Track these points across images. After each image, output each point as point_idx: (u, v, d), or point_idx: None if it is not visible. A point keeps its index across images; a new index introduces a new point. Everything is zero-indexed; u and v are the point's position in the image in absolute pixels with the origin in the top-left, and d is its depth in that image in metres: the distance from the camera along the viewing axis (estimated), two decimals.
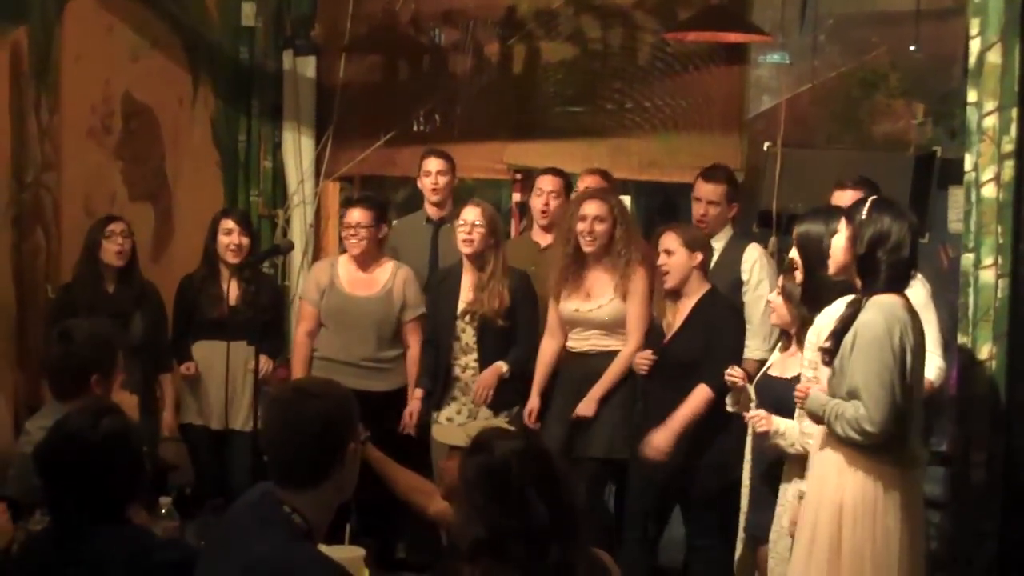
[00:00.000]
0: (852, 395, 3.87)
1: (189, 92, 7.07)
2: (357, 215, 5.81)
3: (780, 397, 4.43)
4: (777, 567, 4.43)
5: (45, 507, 3.25)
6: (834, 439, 3.95)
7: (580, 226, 5.38)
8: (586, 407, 5.37)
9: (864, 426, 3.82)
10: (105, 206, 6.24)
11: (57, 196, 6.10)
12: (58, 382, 3.95)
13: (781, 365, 4.63)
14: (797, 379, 4.33)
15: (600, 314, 5.42)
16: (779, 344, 4.75)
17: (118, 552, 2.98)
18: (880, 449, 3.88)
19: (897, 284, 3.94)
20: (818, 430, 4.10)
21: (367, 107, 7.40)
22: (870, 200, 4.00)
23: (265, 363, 5.69)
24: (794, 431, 4.35)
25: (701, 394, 5.03)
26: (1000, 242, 4.94)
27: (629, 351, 5.36)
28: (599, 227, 5.37)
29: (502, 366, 5.58)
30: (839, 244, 4.02)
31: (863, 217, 3.93)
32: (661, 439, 5.06)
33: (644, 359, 5.22)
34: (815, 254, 4.28)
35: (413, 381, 5.81)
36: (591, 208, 5.39)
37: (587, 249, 5.40)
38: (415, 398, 5.75)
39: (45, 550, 3.07)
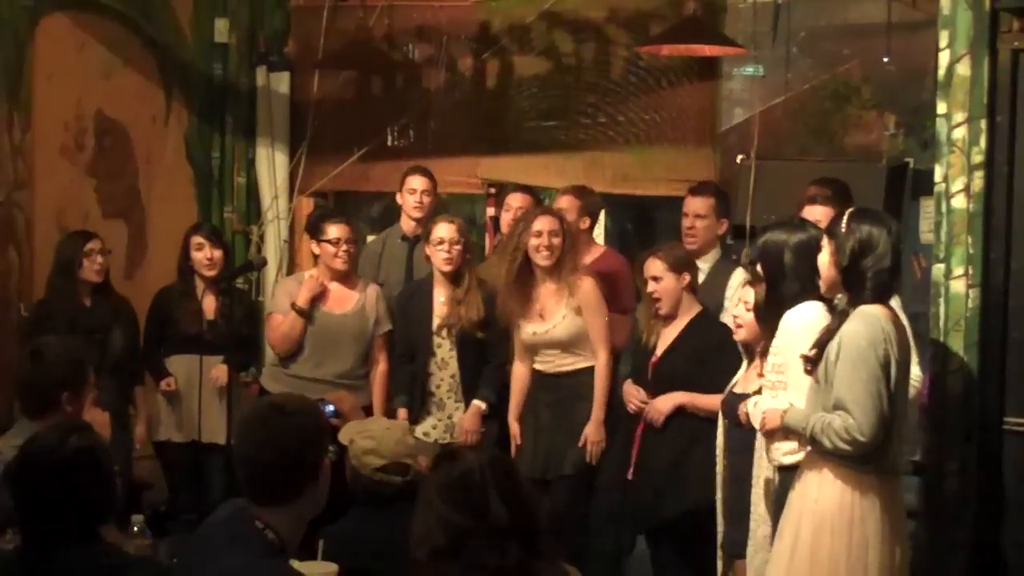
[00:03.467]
0: (838, 406, 3.84)
1: (162, 109, 7.05)
2: (342, 231, 5.75)
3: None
4: None
5: (16, 526, 3.24)
6: (816, 452, 3.93)
7: (535, 241, 5.37)
8: (595, 433, 5.35)
9: (855, 436, 3.79)
10: (78, 224, 6.22)
11: (30, 214, 6.10)
12: (29, 400, 3.94)
13: (744, 382, 4.62)
14: (759, 392, 4.33)
15: (556, 333, 5.41)
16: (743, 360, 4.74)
17: (89, 571, 2.97)
18: (863, 459, 3.86)
19: (883, 293, 3.94)
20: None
21: (341, 123, 7.39)
22: (848, 212, 4.00)
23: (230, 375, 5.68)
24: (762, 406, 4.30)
25: (715, 401, 4.88)
26: (970, 252, 4.96)
27: (603, 364, 5.36)
28: (556, 240, 5.37)
29: (481, 405, 5.58)
30: (824, 261, 4.00)
31: (844, 229, 3.92)
32: (664, 402, 5.07)
33: (635, 399, 5.19)
34: (775, 265, 4.28)
35: (380, 396, 5.78)
36: (546, 223, 5.38)
37: (544, 264, 5.39)
38: (400, 416, 5.65)
39: (15, 570, 3.05)
